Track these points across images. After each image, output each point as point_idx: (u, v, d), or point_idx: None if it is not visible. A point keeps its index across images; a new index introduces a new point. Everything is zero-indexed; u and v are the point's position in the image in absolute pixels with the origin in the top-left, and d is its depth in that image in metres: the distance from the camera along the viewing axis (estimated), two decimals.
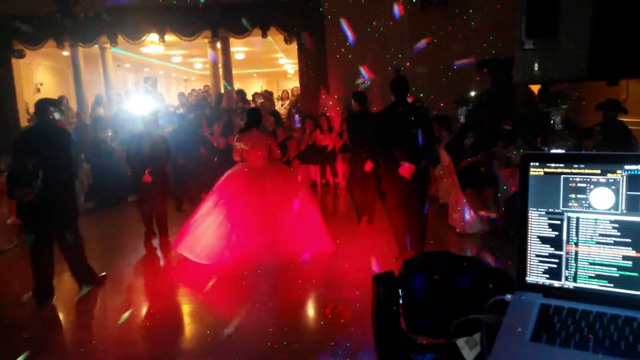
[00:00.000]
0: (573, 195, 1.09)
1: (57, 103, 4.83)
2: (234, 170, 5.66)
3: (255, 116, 5.84)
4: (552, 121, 6.43)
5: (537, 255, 1.13)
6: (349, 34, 8.98)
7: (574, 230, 1.09)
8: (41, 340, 3.93)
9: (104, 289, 4.88)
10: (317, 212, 5.64)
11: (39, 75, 13.95)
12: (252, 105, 11.79)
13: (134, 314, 4.35)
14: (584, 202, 1.07)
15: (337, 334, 3.66)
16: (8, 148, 9.31)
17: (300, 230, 5.30)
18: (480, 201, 6.03)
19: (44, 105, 4.53)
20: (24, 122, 11.43)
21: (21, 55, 11.06)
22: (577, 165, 1.08)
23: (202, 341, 3.74)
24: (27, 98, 12.43)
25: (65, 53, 12.39)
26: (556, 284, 1.11)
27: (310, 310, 4.34)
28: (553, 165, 1.11)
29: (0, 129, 10.00)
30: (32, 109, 12.43)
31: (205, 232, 5.28)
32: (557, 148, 5.61)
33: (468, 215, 5.95)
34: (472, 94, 9.32)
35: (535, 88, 7.73)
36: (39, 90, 13.74)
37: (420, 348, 1.52)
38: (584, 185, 1.07)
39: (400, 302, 1.75)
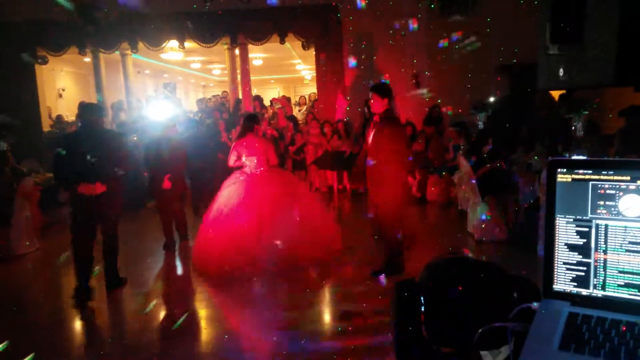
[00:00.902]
0: (602, 202, 1.07)
1: (100, 107, 5.08)
2: (232, 178, 5.61)
3: (250, 121, 5.71)
4: (573, 127, 6.35)
5: (565, 263, 1.11)
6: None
7: (603, 237, 1.07)
8: (53, 340, 3.98)
9: (123, 292, 4.92)
10: (324, 216, 5.63)
11: (61, 81, 14.22)
12: (271, 110, 11.85)
13: (152, 317, 4.39)
14: (612, 209, 1.06)
15: (354, 340, 3.65)
16: (32, 152, 9.56)
17: (303, 234, 5.25)
18: (499, 208, 5.97)
19: (89, 109, 4.84)
20: (46, 127, 11.64)
21: (44, 61, 11.27)
22: (605, 172, 1.07)
23: (218, 345, 3.75)
24: (49, 103, 12.67)
25: (87, 59, 12.61)
26: (584, 292, 1.09)
27: (325, 316, 4.32)
28: (581, 171, 1.09)
29: (23, 134, 10.19)
30: (54, 114, 12.70)
31: (214, 245, 5.27)
32: (578, 154, 5.53)
33: (487, 222, 5.89)
34: (491, 99, 9.26)
35: (555, 94, 7.65)
36: (61, 95, 14.00)
37: (443, 358, 1.51)
38: (613, 192, 1.06)
39: (422, 309, 1.73)
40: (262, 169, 5.53)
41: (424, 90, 9.89)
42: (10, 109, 10.08)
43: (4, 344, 3.54)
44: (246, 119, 5.83)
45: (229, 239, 5.16)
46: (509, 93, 8.68)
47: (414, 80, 10.35)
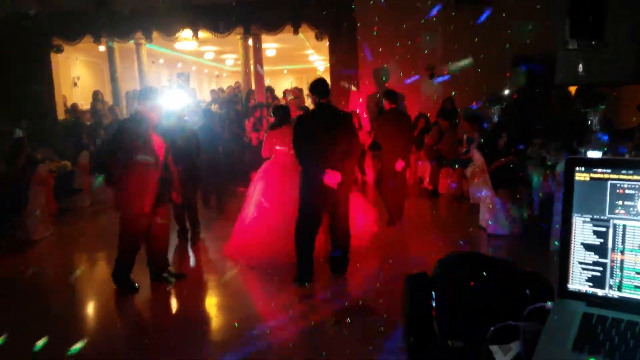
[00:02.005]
0: (620, 202, 1.05)
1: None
2: (268, 168, 5.63)
3: (285, 113, 5.81)
4: (589, 122, 6.26)
5: (580, 263, 1.10)
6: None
7: (620, 238, 1.05)
8: (65, 323, 4.04)
9: (137, 281, 4.95)
10: (358, 201, 5.66)
11: (76, 70, 14.32)
12: (284, 101, 11.84)
13: (164, 305, 4.44)
14: (631, 209, 1.04)
15: (368, 332, 3.66)
16: (47, 140, 9.67)
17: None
18: (512, 202, 5.91)
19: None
20: (61, 115, 11.74)
21: (59, 50, 11.35)
22: (625, 171, 1.05)
23: (229, 332, 3.78)
24: (64, 91, 12.76)
25: (102, 48, 12.68)
26: (600, 292, 1.08)
27: (339, 309, 4.33)
28: (600, 170, 1.08)
29: (39, 122, 10.30)
30: (69, 103, 12.81)
31: (254, 236, 5.29)
32: (593, 149, 5.46)
33: (500, 216, 5.85)
34: (506, 92, 9.16)
35: (572, 88, 7.55)
36: (75, 84, 14.11)
37: (454, 353, 1.50)
38: (632, 192, 1.04)
39: (433, 304, 1.73)
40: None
41: (441, 79, 9.81)
42: (27, 96, 10.20)
43: (2, 337, 3.59)
44: (281, 111, 5.84)
45: (270, 230, 5.18)
46: (525, 86, 8.56)
47: (428, 72, 10.26)
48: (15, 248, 6.20)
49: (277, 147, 5.54)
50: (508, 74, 8.96)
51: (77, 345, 3.56)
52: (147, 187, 4.44)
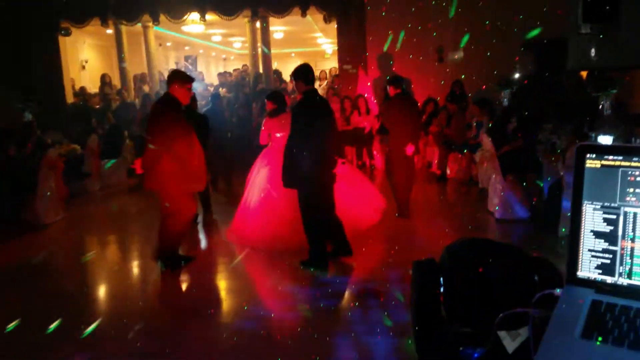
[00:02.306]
0: (631, 190, 1.05)
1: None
2: (270, 154, 5.56)
3: (282, 100, 5.67)
4: (600, 106, 6.19)
5: (590, 250, 1.10)
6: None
7: (631, 225, 1.05)
8: (79, 306, 4.11)
9: (148, 264, 5.01)
10: (361, 180, 5.66)
11: (84, 53, 14.31)
12: (291, 85, 11.78)
13: (175, 286, 4.50)
14: None
15: (373, 315, 3.68)
16: (56, 123, 9.72)
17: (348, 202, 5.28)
18: (521, 187, 5.89)
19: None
20: (70, 99, 11.78)
21: (67, 33, 11.34)
22: (636, 159, 1.04)
23: (238, 314, 3.82)
24: (72, 75, 12.78)
25: (109, 31, 12.65)
26: (609, 279, 1.08)
27: (345, 293, 4.36)
28: (611, 157, 1.07)
29: (48, 105, 10.34)
30: (77, 86, 12.83)
31: (261, 221, 5.29)
32: (605, 134, 5.40)
33: (508, 201, 5.83)
34: (516, 76, 9.06)
35: (583, 72, 7.44)
36: (83, 67, 14.12)
37: (462, 338, 1.52)
38: None
39: (441, 290, 1.74)
40: None
41: (455, 56, 9.71)
42: (35, 80, 10.22)
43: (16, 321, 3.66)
44: (278, 98, 5.70)
45: (278, 217, 5.18)
46: (535, 70, 8.46)
47: (437, 55, 10.16)
48: (27, 232, 6.27)
49: (278, 135, 5.45)
50: (517, 58, 8.84)
51: (91, 327, 3.62)
52: (201, 168, 4.64)
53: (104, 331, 3.62)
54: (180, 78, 4.55)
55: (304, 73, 4.58)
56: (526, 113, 6.59)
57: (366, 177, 5.86)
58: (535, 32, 8.13)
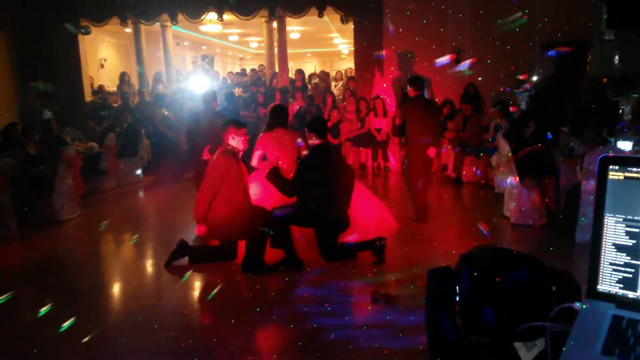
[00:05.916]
0: None
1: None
2: (255, 178, 5.16)
3: (282, 113, 5.31)
4: (621, 111, 6.09)
5: (611, 264, 1.07)
6: None
7: None
8: (96, 305, 4.15)
9: (160, 259, 5.04)
10: (374, 200, 5.55)
11: (103, 51, 14.48)
12: (309, 86, 11.77)
13: (187, 286, 4.53)
14: None
15: (384, 319, 3.66)
16: (75, 121, 9.84)
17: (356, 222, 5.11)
18: (538, 192, 5.81)
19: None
20: (88, 97, 11.91)
21: (87, 31, 11.47)
22: None
23: (252, 317, 3.83)
24: (91, 73, 12.94)
25: (128, 30, 12.77)
26: (630, 294, 1.05)
27: (357, 295, 4.34)
28: (634, 169, 1.04)
29: (66, 103, 10.47)
30: (96, 84, 12.98)
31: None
32: (625, 139, 5.31)
33: (525, 206, 5.75)
34: (534, 79, 8.94)
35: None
36: (102, 66, 14.28)
37: (478, 348, 1.49)
38: None
39: (457, 298, 1.71)
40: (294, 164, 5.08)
41: (464, 67, 9.62)
42: (54, 78, 10.36)
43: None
44: (277, 111, 5.33)
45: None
46: (554, 73, 8.33)
47: (454, 57, 10.07)
48: (44, 228, 6.36)
49: (280, 162, 5.06)
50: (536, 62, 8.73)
51: (103, 324, 3.65)
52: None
53: (116, 329, 3.65)
54: (233, 125, 4.68)
55: (318, 126, 4.74)
56: (545, 115, 6.50)
57: (377, 198, 5.70)
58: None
